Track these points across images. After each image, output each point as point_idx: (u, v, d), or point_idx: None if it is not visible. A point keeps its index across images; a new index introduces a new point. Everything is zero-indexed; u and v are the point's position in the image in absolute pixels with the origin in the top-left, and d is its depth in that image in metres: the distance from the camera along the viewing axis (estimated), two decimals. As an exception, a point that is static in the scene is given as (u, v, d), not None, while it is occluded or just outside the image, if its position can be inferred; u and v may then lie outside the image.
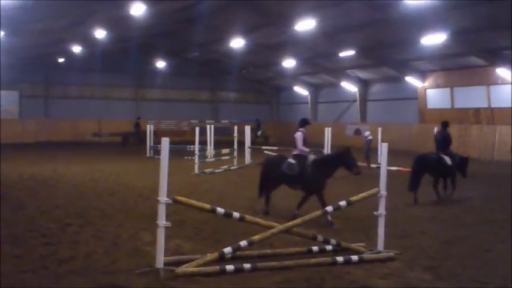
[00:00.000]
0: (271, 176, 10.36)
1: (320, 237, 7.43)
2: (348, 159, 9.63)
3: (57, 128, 37.69)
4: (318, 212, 7.73)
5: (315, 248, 7.44)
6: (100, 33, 26.38)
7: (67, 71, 38.37)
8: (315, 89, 42.20)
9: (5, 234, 8.27)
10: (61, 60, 36.90)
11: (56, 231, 8.61)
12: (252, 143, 36.86)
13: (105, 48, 33.81)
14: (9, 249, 7.34)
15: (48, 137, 36.73)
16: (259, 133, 38.25)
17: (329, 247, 7.45)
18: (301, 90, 42.93)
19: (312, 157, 10.03)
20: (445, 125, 13.13)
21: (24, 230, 8.60)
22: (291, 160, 10.13)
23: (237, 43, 30.01)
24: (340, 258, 6.97)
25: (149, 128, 25.67)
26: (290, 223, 7.33)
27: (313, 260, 6.94)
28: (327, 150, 19.75)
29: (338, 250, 7.38)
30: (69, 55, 35.13)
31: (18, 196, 12.32)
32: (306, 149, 10.24)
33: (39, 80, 38.54)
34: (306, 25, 24.37)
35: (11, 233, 8.33)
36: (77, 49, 32.35)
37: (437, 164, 12.53)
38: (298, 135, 10.29)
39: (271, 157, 11.93)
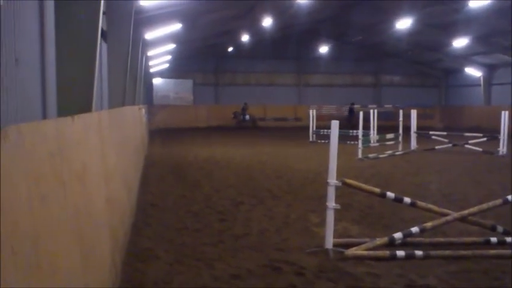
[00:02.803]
0: None
1: (500, 228, 6.86)
2: None
3: (226, 113, 40.19)
4: (498, 201, 7.13)
5: (493, 239, 6.90)
6: (266, 22, 27.34)
7: (234, 59, 40.61)
8: (489, 69, 38.81)
9: (186, 210, 9.08)
10: (230, 49, 39.12)
11: (230, 208, 9.20)
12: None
13: (270, 35, 34.99)
14: (190, 223, 8.05)
15: (218, 122, 39.37)
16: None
17: (509, 239, 6.85)
18: (473, 72, 39.82)
19: None
20: None
21: (202, 207, 9.35)
22: None
23: (403, 24, 28.74)
24: (523, 252, 6.37)
25: (311, 113, 25.99)
26: (466, 211, 6.87)
27: (492, 252, 6.42)
28: (503, 136, 18.27)
29: (520, 243, 6.75)
30: (237, 44, 37.14)
31: (195, 176, 13.42)
32: None
33: (210, 68, 41.35)
34: (481, 0, 22.45)
35: (191, 209, 9.11)
36: (244, 38, 34.02)
37: None
38: None
39: None
